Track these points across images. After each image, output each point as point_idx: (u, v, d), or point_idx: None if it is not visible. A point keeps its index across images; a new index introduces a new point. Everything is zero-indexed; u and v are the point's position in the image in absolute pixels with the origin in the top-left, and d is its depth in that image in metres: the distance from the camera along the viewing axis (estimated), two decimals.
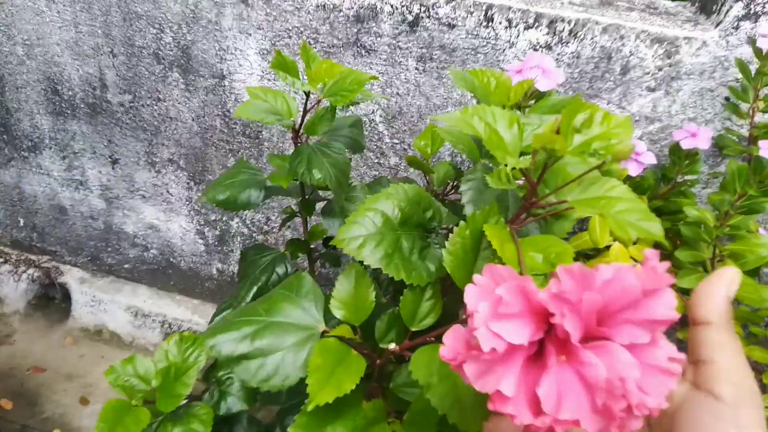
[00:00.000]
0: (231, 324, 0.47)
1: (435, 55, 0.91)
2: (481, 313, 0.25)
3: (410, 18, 0.89)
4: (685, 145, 0.79)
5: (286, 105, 0.62)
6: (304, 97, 0.62)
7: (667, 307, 0.25)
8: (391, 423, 0.46)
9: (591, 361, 0.24)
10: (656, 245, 0.82)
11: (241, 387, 0.69)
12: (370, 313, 0.47)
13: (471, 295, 0.26)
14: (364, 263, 0.43)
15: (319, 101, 0.61)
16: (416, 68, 0.93)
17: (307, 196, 0.68)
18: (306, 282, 0.49)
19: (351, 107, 1.01)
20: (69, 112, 1.19)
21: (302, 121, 0.62)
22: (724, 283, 0.29)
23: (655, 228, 0.33)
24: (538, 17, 0.84)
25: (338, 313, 0.47)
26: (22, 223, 1.39)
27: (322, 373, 0.42)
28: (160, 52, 1.06)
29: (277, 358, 0.45)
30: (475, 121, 0.38)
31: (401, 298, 0.44)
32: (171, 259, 1.32)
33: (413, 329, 0.45)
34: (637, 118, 0.88)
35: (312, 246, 0.75)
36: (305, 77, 0.61)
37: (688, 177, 0.86)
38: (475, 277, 0.26)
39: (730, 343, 0.28)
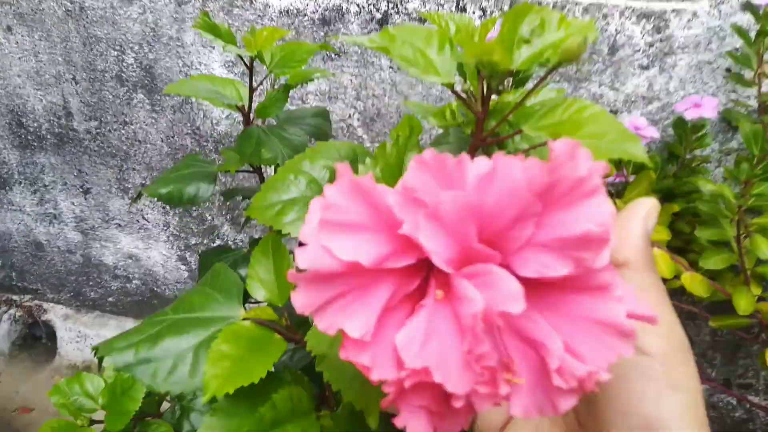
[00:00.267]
0: (132, 329, 0.41)
1: None
2: (310, 223, 0.18)
3: (378, 15, 0.83)
4: (689, 116, 0.72)
5: (236, 91, 0.57)
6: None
7: (587, 217, 0.17)
8: (321, 416, 0.39)
9: (465, 293, 0.18)
10: (673, 227, 0.76)
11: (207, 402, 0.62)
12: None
13: (313, 209, 0.19)
14: (284, 233, 0.37)
15: (266, 77, 0.56)
16: (390, 67, 0.87)
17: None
18: (221, 273, 0.43)
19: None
20: (36, 144, 1.14)
21: (250, 102, 0.57)
22: (640, 216, 0.23)
23: (637, 149, 0.26)
24: (514, 3, 0.78)
25: (259, 294, 0.41)
26: (0, 263, 1.34)
27: (230, 363, 0.35)
28: (123, 74, 1.00)
29: (188, 357, 0.38)
30: (404, 48, 0.32)
31: None
32: (155, 288, 1.26)
33: None
34: (633, 99, 0.82)
35: None
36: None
37: (697, 153, 0.79)
38: (326, 188, 0.19)
39: (653, 287, 0.23)
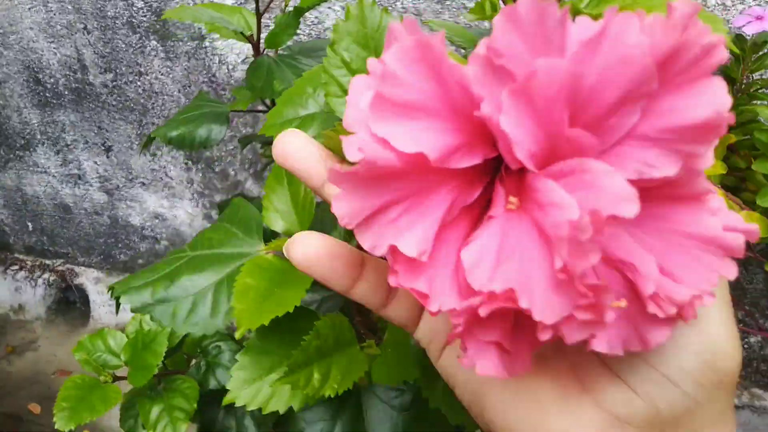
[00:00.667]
0: (148, 267, 0.39)
1: None
2: (355, 104, 0.14)
3: None
4: (750, 31, 0.62)
5: (243, 19, 0.53)
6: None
7: (707, 100, 0.13)
8: (364, 346, 0.37)
9: (553, 197, 0.13)
10: (727, 162, 0.67)
11: (233, 357, 0.60)
12: (313, 216, 0.37)
13: (357, 86, 0.14)
14: None
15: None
16: None
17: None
18: (240, 208, 0.41)
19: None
20: (54, 101, 1.11)
21: (259, 28, 0.53)
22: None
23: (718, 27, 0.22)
24: None
25: (277, 224, 0.38)
26: (31, 228, 1.34)
27: (255, 294, 0.33)
28: (133, 20, 0.96)
29: (209, 295, 0.37)
30: None
31: None
32: None
33: None
34: None
35: None
36: None
37: (757, 76, 0.69)
38: (384, 53, 0.14)
39: None
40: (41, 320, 1.35)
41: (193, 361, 0.65)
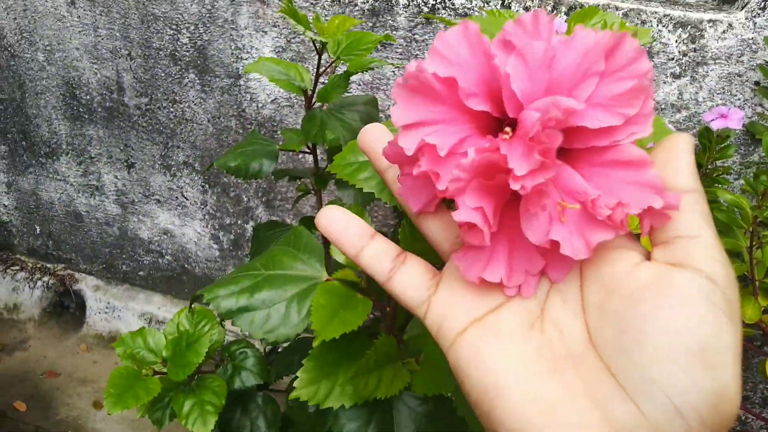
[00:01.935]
0: (229, 279, 0.45)
1: None
2: (410, 66, 0.22)
3: (426, 9, 0.88)
4: (716, 126, 0.75)
5: (299, 73, 0.61)
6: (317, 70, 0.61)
7: (635, 73, 0.21)
8: (405, 363, 0.44)
9: (529, 116, 0.21)
10: None
11: (256, 362, 0.67)
12: None
13: (410, 67, 0.23)
14: (358, 187, 0.41)
15: (331, 64, 0.60)
16: None
17: (322, 171, 0.66)
18: (303, 235, 0.48)
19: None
20: (86, 116, 1.20)
21: (315, 85, 0.61)
22: (685, 148, 0.23)
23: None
24: (557, 4, 0.83)
25: (340, 256, 0.44)
26: (38, 231, 1.39)
27: (326, 312, 0.40)
28: (176, 53, 1.06)
29: (281, 308, 0.43)
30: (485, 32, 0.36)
31: (399, 228, 0.41)
32: (185, 265, 1.31)
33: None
34: (663, 107, 0.85)
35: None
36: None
37: (719, 164, 0.82)
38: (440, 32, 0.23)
39: (710, 216, 0.23)
40: (34, 321, 1.38)
41: (220, 367, 0.72)
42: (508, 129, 0.22)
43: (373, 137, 0.28)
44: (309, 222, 0.70)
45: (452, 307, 0.25)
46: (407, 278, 0.27)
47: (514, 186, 0.21)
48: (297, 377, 0.43)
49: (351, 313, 0.42)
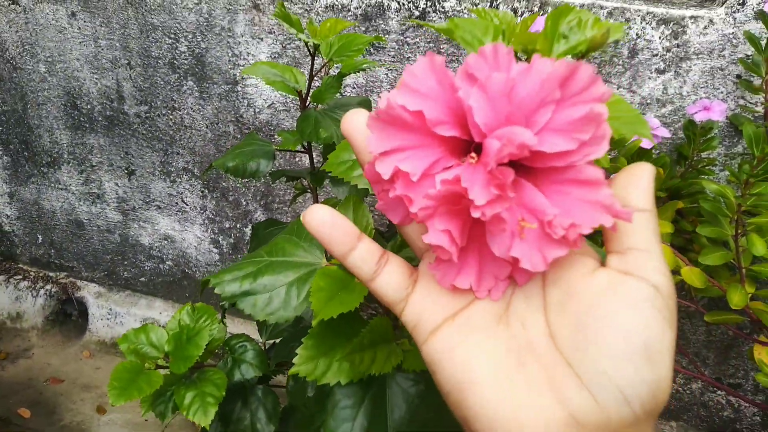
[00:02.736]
0: (235, 266, 0.47)
1: (443, 48, 0.93)
2: (383, 99, 0.24)
3: (417, 13, 0.91)
4: (699, 118, 0.78)
5: (293, 76, 0.63)
6: (310, 71, 0.64)
7: (589, 100, 0.23)
8: (399, 344, 0.46)
9: (492, 145, 0.23)
10: (676, 226, 0.81)
11: (256, 355, 0.68)
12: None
13: (383, 97, 0.25)
14: (352, 184, 0.44)
15: (324, 65, 0.62)
16: None
17: (317, 170, 0.68)
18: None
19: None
20: (87, 125, 1.22)
21: (309, 86, 0.63)
22: (646, 175, 0.26)
23: (644, 130, 0.32)
24: (543, 5, 0.85)
25: None
26: (40, 240, 1.41)
27: (325, 294, 0.42)
28: (175, 62, 1.09)
29: (282, 292, 0.45)
30: (465, 34, 0.38)
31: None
32: (186, 270, 1.33)
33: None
34: (648, 102, 0.88)
35: None
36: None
37: (704, 155, 0.84)
38: (407, 66, 0.25)
39: (659, 235, 0.26)
40: (37, 329, 1.40)
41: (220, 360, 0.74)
42: (473, 155, 0.25)
43: (356, 125, 0.28)
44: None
45: (427, 306, 0.28)
46: (388, 278, 0.29)
47: (475, 214, 0.24)
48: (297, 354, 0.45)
49: (349, 295, 0.44)
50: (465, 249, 0.26)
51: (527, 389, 0.24)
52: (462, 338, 0.26)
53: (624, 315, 0.23)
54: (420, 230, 0.29)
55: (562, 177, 0.24)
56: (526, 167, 0.25)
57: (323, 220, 0.28)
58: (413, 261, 0.32)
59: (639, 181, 0.26)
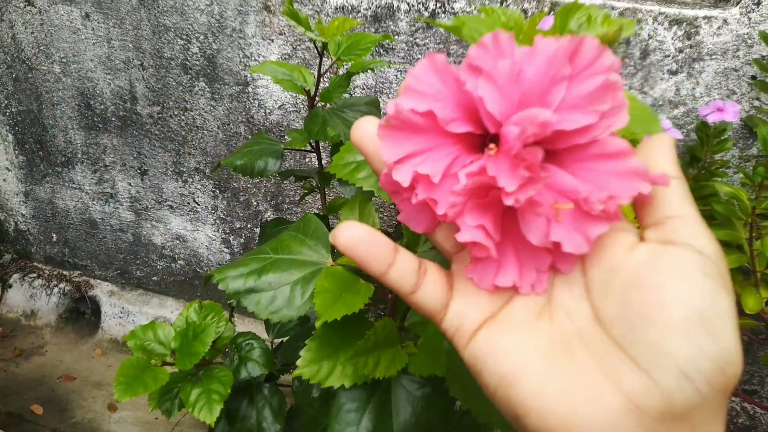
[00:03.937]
0: (239, 262, 0.47)
1: (452, 50, 0.92)
2: (389, 107, 0.24)
3: (426, 14, 0.91)
4: (712, 119, 0.76)
5: (302, 75, 0.64)
6: (318, 72, 0.64)
7: (602, 69, 0.22)
8: (404, 346, 0.45)
9: (510, 131, 0.22)
10: None
11: (262, 353, 0.68)
12: None
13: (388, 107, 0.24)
14: (357, 186, 0.43)
15: (333, 64, 0.62)
16: None
17: (324, 170, 0.68)
18: (312, 222, 0.49)
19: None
20: (101, 125, 1.23)
21: (317, 85, 0.63)
22: (666, 144, 0.25)
23: (656, 127, 0.31)
24: (554, 5, 0.85)
25: None
26: (54, 239, 1.43)
27: (330, 294, 0.41)
28: (187, 63, 1.09)
29: (286, 291, 0.44)
30: (472, 32, 0.38)
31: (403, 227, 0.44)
32: (197, 269, 1.33)
33: (420, 250, 0.45)
34: (660, 103, 0.87)
35: (331, 219, 0.76)
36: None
37: (717, 157, 0.83)
38: (410, 69, 0.25)
39: (692, 199, 0.25)
40: (51, 327, 1.41)
41: (227, 357, 0.74)
42: (492, 145, 0.24)
43: (367, 133, 0.27)
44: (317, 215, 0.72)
45: (467, 309, 0.26)
46: (429, 289, 0.27)
47: (507, 201, 0.23)
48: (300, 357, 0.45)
49: (353, 297, 0.44)
50: (500, 245, 0.25)
51: (579, 378, 0.22)
52: (506, 335, 0.25)
53: (673, 285, 0.22)
54: (449, 233, 0.28)
55: (586, 154, 0.24)
56: (546, 151, 0.24)
57: (361, 239, 0.26)
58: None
59: (662, 150, 0.25)
